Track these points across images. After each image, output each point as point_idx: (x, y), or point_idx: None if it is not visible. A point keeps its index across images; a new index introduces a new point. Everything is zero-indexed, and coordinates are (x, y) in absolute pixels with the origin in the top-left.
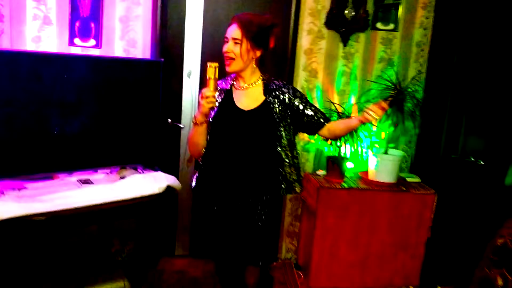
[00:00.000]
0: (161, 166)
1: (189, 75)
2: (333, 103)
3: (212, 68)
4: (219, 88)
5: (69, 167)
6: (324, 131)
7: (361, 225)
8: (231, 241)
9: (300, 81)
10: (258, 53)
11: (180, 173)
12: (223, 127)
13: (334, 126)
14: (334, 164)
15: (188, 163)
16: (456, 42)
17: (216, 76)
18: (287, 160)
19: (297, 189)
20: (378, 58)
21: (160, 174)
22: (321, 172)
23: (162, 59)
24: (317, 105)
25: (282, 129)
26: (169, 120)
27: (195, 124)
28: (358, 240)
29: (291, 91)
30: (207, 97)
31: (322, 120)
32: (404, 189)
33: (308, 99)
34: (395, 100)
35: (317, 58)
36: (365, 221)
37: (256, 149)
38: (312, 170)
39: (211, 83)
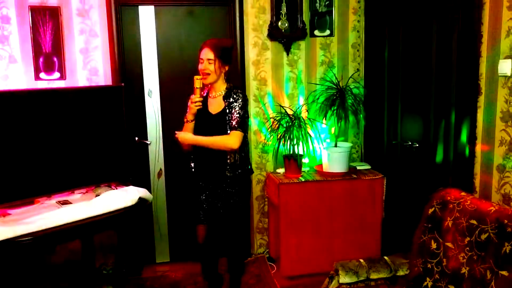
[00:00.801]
0: (133, 181)
1: (150, 95)
2: (283, 107)
3: (198, 80)
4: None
5: (48, 191)
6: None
7: (321, 213)
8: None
9: (252, 90)
10: (226, 68)
11: (152, 186)
12: (200, 126)
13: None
14: (291, 161)
15: (158, 176)
16: (385, 40)
17: (201, 86)
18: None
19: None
20: (319, 61)
21: (131, 188)
22: (281, 170)
23: (123, 84)
24: (269, 111)
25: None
26: (136, 138)
27: (186, 122)
28: (320, 227)
29: (236, 99)
30: (195, 102)
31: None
32: (355, 176)
33: (242, 108)
34: (337, 97)
35: (265, 67)
36: (325, 209)
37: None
38: (272, 169)
39: (198, 91)
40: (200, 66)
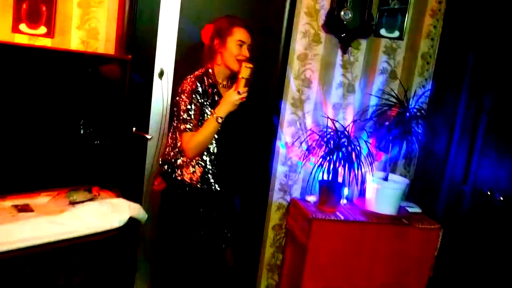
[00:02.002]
0: (121, 186)
1: (160, 76)
2: (332, 120)
3: (248, 69)
4: (210, 88)
5: (2, 190)
6: None
7: (358, 261)
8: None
9: (291, 91)
10: None
11: (144, 196)
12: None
13: None
14: (330, 190)
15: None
16: (466, 54)
17: (251, 76)
18: None
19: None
20: (380, 69)
21: (120, 202)
22: (311, 198)
23: (130, 56)
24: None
25: None
26: (134, 128)
27: (218, 123)
28: (353, 277)
29: None
30: (242, 98)
31: None
32: (406, 222)
33: None
34: (400, 119)
35: (312, 65)
36: (362, 257)
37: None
38: (299, 194)
39: (244, 82)
40: (239, 50)
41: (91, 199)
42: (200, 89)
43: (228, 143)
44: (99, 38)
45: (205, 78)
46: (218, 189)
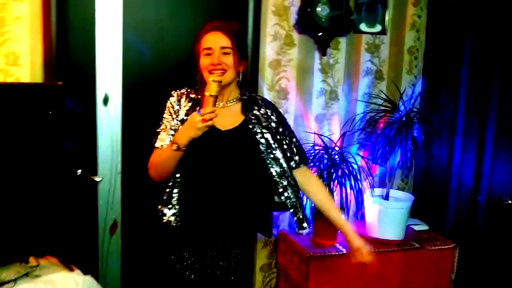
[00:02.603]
0: (67, 248)
1: (105, 103)
2: (316, 134)
3: (215, 84)
4: (190, 103)
5: None
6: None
7: None
8: None
9: None
10: (242, 67)
11: (100, 247)
12: (200, 149)
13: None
14: (325, 219)
15: (110, 232)
16: (460, 41)
17: (218, 93)
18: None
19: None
20: (364, 69)
21: (64, 278)
22: (303, 230)
23: (60, 82)
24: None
25: (265, 151)
26: (79, 171)
27: (178, 149)
28: None
29: (272, 112)
30: (208, 119)
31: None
32: (417, 245)
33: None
34: (397, 124)
35: (287, 73)
36: None
37: (239, 175)
38: (288, 225)
39: (211, 100)
40: (209, 60)
41: (26, 274)
42: (175, 104)
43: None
44: (20, 63)
45: (188, 93)
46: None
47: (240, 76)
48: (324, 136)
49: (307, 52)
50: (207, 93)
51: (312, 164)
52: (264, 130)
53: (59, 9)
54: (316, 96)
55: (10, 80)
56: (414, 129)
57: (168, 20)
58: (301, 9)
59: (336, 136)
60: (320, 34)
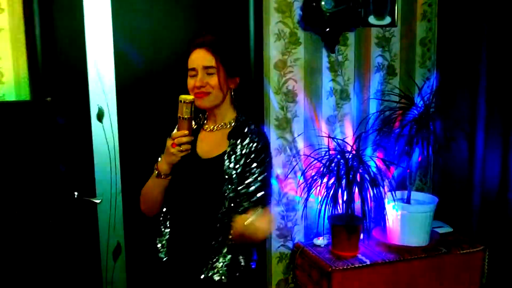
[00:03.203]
0: (70, 276)
1: (100, 118)
2: (331, 137)
3: (186, 105)
4: None
5: None
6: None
7: None
8: None
9: (273, 110)
10: (236, 82)
11: (104, 274)
12: (178, 176)
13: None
14: (345, 229)
15: (114, 257)
16: (478, 28)
17: (192, 114)
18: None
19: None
20: (374, 65)
21: None
22: (322, 241)
23: (48, 98)
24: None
25: (227, 189)
26: (76, 193)
27: (158, 176)
28: None
29: (256, 146)
30: (181, 144)
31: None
32: (444, 250)
33: (267, 165)
34: (415, 121)
35: (294, 73)
36: None
37: (204, 212)
38: (304, 237)
39: (185, 124)
40: (192, 81)
41: None
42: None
43: None
44: (4, 80)
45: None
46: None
47: (232, 94)
48: (338, 139)
49: (314, 50)
50: (179, 115)
51: (326, 170)
52: (233, 165)
53: (43, 20)
54: (326, 97)
55: None
56: (436, 125)
57: (161, 24)
58: (305, 4)
59: (350, 139)
60: (327, 30)
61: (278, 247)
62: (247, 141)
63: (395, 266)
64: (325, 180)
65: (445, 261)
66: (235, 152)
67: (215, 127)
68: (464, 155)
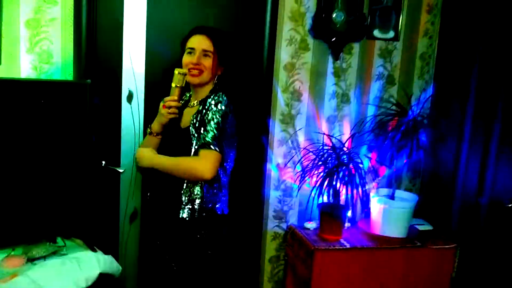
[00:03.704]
0: (90, 232)
1: (129, 100)
2: (325, 135)
3: (180, 76)
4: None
5: None
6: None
7: None
8: None
9: (279, 106)
10: (219, 71)
11: (121, 234)
12: (164, 143)
13: None
14: (332, 216)
15: (130, 220)
16: (471, 51)
17: (183, 84)
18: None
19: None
20: (375, 74)
21: (88, 256)
22: (311, 225)
23: (89, 80)
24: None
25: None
26: (103, 162)
27: (150, 134)
28: None
29: (215, 102)
30: (169, 107)
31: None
32: (419, 244)
33: (222, 116)
34: (404, 128)
35: (301, 76)
36: (371, 286)
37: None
38: (296, 220)
39: (176, 91)
40: (189, 58)
41: (54, 253)
42: None
43: None
44: (53, 62)
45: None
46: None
47: (216, 80)
48: (333, 137)
49: (321, 56)
50: (173, 84)
51: (320, 163)
52: (195, 121)
53: (89, 12)
54: (328, 99)
55: (43, 77)
56: (421, 133)
57: (188, 22)
58: (316, 15)
59: (345, 138)
60: (333, 39)
61: (273, 227)
62: (209, 103)
63: (372, 252)
64: (318, 171)
65: (419, 253)
66: (202, 114)
67: (195, 103)
68: (449, 161)
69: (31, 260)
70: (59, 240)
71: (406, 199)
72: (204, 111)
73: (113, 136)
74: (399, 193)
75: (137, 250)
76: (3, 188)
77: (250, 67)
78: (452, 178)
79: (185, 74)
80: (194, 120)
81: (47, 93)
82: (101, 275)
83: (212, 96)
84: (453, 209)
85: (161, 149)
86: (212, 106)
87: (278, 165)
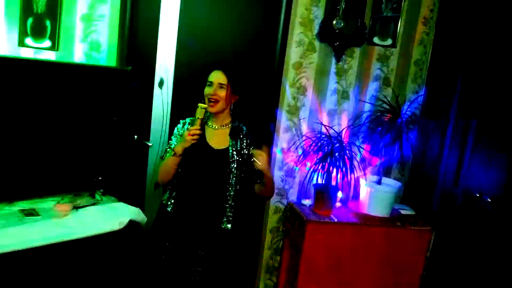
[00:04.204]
0: (123, 191)
1: (160, 85)
2: (325, 126)
3: (202, 110)
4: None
5: (9, 196)
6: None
7: (352, 262)
8: None
9: (287, 98)
10: (234, 99)
11: (146, 200)
12: (196, 161)
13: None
14: (324, 194)
15: (155, 189)
16: (459, 61)
17: (204, 117)
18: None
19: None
20: (373, 76)
21: (121, 206)
22: (307, 202)
23: (129, 67)
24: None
25: (234, 170)
26: (135, 136)
27: (174, 155)
28: (347, 278)
29: (249, 140)
30: (193, 135)
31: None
32: (399, 224)
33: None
34: (392, 125)
35: (307, 73)
36: (356, 257)
37: (215, 184)
38: (296, 198)
39: (198, 122)
40: (209, 90)
41: (93, 204)
42: (180, 130)
43: None
44: (101, 50)
45: (189, 123)
46: None
47: (232, 106)
48: (331, 128)
49: (326, 58)
50: (196, 116)
51: (316, 148)
52: (236, 157)
53: (132, 11)
54: (330, 95)
55: (92, 62)
56: (405, 130)
57: (213, 24)
58: (323, 22)
59: (342, 129)
60: (336, 43)
61: (275, 202)
62: (245, 140)
63: (356, 227)
64: (314, 156)
65: (398, 232)
66: (236, 146)
67: (217, 127)
68: (434, 156)
69: (76, 207)
70: (97, 195)
71: (390, 185)
72: (241, 144)
73: (145, 116)
74: (385, 180)
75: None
76: (58, 150)
77: (264, 65)
78: (435, 170)
79: (206, 108)
80: (234, 147)
81: (95, 75)
82: (131, 222)
83: (243, 134)
84: (434, 197)
85: (191, 166)
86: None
87: (282, 149)
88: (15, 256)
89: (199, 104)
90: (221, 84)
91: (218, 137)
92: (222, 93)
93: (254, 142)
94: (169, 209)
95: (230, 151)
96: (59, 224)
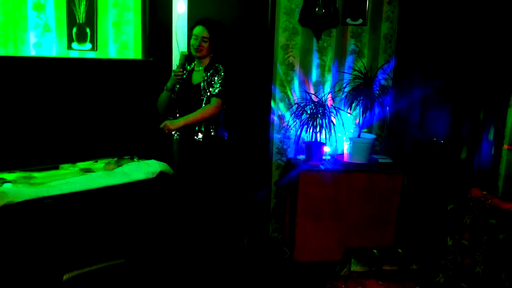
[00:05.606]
0: (154, 156)
1: None
2: (308, 93)
3: (182, 56)
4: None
5: (72, 158)
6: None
7: (339, 202)
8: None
9: (279, 74)
10: (215, 49)
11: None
12: (181, 95)
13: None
14: (312, 148)
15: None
16: (420, 32)
17: (185, 61)
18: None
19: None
20: (349, 50)
21: (153, 162)
22: (301, 157)
23: (151, 58)
24: (293, 95)
25: (204, 96)
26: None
27: (166, 90)
28: (336, 216)
29: (218, 71)
30: (176, 75)
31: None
32: (375, 168)
33: (224, 79)
34: (364, 87)
35: (293, 53)
36: (342, 198)
37: (192, 106)
38: (293, 155)
39: (180, 65)
40: (193, 42)
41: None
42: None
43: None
44: (129, 47)
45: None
46: None
47: (212, 54)
48: (312, 94)
49: (308, 39)
50: (179, 61)
51: (303, 111)
52: (206, 87)
53: (151, 16)
54: (314, 69)
55: (123, 57)
56: (375, 91)
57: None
58: (302, 10)
59: (325, 96)
60: (314, 26)
61: (277, 159)
62: (214, 70)
63: (340, 173)
64: (303, 119)
65: (375, 176)
66: (207, 75)
67: (201, 68)
68: (404, 112)
69: (120, 166)
70: (135, 158)
71: (367, 138)
72: (211, 76)
73: None
74: (363, 134)
75: None
76: (105, 125)
77: (257, 48)
78: (406, 123)
79: (186, 55)
80: (205, 79)
81: (126, 67)
82: (161, 173)
83: (215, 66)
84: (406, 144)
85: (178, 100)
86: (217, 71)
87: (279, 116)
88: (80, 195)
89: (181, 51)
90: (204, 37)
91: (198, 75)
92: (205, 44)
93: (222, 70)
94: (175, 136)
95: (202, 83)
96: (109, 174)
